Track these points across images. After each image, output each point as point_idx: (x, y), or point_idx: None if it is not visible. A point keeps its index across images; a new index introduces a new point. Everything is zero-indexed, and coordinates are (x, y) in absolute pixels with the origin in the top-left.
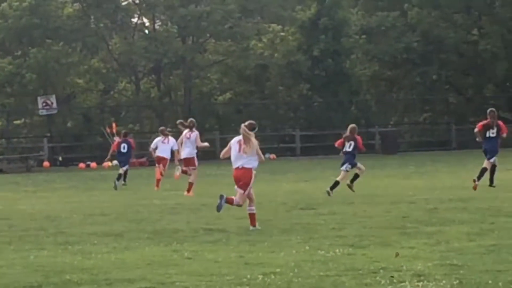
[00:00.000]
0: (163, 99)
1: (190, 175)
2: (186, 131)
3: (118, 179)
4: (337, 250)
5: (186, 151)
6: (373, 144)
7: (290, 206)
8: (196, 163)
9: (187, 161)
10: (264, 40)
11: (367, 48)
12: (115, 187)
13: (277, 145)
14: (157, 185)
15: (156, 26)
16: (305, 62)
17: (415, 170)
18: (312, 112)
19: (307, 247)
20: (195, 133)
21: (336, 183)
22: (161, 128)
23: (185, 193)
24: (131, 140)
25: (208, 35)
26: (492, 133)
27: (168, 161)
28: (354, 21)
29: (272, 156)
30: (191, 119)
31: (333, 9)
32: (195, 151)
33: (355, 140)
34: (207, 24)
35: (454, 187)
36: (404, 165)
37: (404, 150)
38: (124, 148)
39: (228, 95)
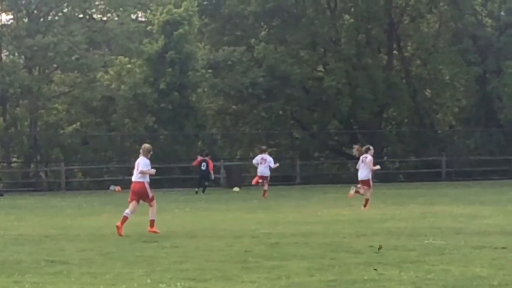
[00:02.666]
0: (8, 129)
1: None
2: None
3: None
4: (178, 284)
5: None
6: (218, 178)
7: (133, 239)
8: None
9: None
10: (111, 72)
11: (213, 82)
12: None
13: (123, 177)
14: None
15: (3, 56)
16: (152, 95)
17: (258, 204)
18: (158, 145)
19: (149, 280)
20: None
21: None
22: None
23: None
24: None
25: (55, 66)
26: None
27: None
28: (201, 55)
29: (118, 188)
30: None
31: (180, 43)
32: None
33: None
34: (53, 55)
35: (297, 222)
36: (248, 199)
37: (248, 184)
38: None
39: (74, 126)
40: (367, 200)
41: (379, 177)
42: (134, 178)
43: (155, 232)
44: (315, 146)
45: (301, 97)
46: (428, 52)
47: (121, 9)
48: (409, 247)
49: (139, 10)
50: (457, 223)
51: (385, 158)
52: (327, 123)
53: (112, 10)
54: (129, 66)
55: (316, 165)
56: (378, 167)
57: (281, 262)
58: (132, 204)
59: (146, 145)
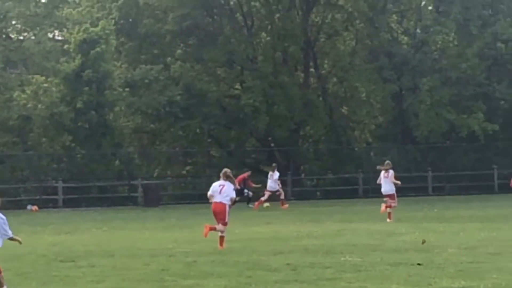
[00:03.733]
0: None
1: None
2: None
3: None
4: None
5: None
6: (136, 197)
7: (50, 258)
8: None
9: None
10: (28, 91)
11: (130, 101)
12: None
13: (39, 196)
14: None
15: None
16: (68, 113)
17: (176, 223)
18: (75, 164)
19: None
20: None
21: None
22: None
23: None
24: None
25: None
26: None
27: None
28: (118, 74)
29: (35, 208)
30: None
31: (97, 61)
32: None
33: None
34: None
35: (214, 240)
36: (165, 217)
37: (166, 203)
38: None
39: None
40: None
41: (295, 195)
42: (218, 199)
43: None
44: (232, 164)
45: (218, 115)
46: (345, 69)
47: (37, 28)
48: (326, 265)
49: (56, 29)
50: (373, 240)
51: (302, 175)
52: (244, 141)
53: (29, 29)
54: (45, 85)
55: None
56: (399, 182)
57: (198, 281)
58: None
59: (228, 171)
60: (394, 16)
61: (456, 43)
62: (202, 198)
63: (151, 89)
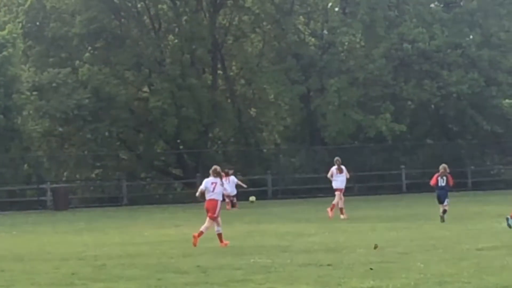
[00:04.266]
0: None
1: None
2: None
3: None
4: None
5: None
6: (45, 201)
7: None
8: None
9: None
10: None
11: (38, 105)
12: None
13: None
14: None
15: None
16: None
17: (85, 227)
18: None
19: None
20: None
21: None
22: None
23: None
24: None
25: None
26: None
27: None
28: (25, 77)
29: None
30: None
31: (4, 65)
32: None
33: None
34: None
35: (124, 243)
36: (75, 221)
37: (75, 206)
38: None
39: None
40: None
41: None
42: (211, 196)
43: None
44: (141, 167)
45: (127, 118)
46: (252, 71)
47: None
48: (236, 266)
49: None
50: (283, 241)
51: None
52: (153, 143)
53: None
54: None
55: (143, 185)
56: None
57: (108, 284)
58: (218, 220)
59: (218, 168)
60: (301, 17)
61: (363, 44)
62: (112, 201)
63: (59, 93)
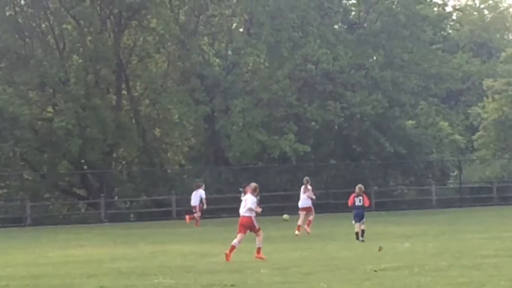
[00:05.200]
0: None
1: None
2: None
3: None
4: None
5: None
6: None
7: None
8: None
9: None
10: None
11: None
12: None
13: None
14: None
15: None
16: None
17: None
18: None
19: None
20: None
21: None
22: None
23: None
24: None
25: None
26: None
27: None
28: None
29: None
30: None
31: None
32: None
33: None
34: None
35: (28, 264)
36: None
37: None
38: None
39: None
40: None
41: (109, 217)
42: (242, 212)
43: (261, 258)
44: (45, 187)
45: (31, 138)
46: (157, 91)
47: None
48: (139, 287)
49: None
50: (187, 261)
51: (116, 198)
52: (57, 164)
53: None
54: None
55: (47, 206)
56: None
57: None
58: (240, 235)
59: (253, 184)
60: (205, 38)
61: (267, 64)
62: (15, 221)
63: None
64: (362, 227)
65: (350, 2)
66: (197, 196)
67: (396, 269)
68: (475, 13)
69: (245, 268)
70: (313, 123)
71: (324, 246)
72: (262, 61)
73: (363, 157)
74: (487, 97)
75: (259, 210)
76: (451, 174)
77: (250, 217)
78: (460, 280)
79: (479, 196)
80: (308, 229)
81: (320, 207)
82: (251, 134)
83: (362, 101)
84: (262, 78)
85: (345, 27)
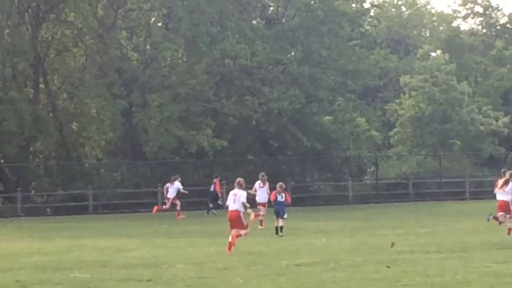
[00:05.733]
0: None
1: None
2: None
3: None
4: None
5: None
6: None
7: None
8: None
9: None
10: None
11: None
12: None
13: None
14: None
15: None
16: None
17: None
18: None
19: None
20: None
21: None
22: None
23: None
24: None
25: None
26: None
27: None
28: None
29: None
30: None
31: None
32: None
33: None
34: None
35: None
36: None
37: None
38: None
39: None
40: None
41: (25, 211)
42: (231, 207)
43: (233, 244)
44: None
45: None
46: (75, 85)
47: None
48: (56, 281)
49: None
50: (103, 256)
51: (32, 192)
52: None
53: None
54: None
55: None
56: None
57: None
58: (234, 231)
59: (240, 179)
60: (124, 32)
61: (185, 59)
62: None
63: None
64: (281, 223)
65: None
66: (174, 188)
67: (312, 265)
68: (393, 9)
69: (161, 263)
70: (231, 118)
71: (240, 241)
72: (180, 55)
73: (280, 153)
74: (404, 94)
75: (250, 211)
76: (368, 170)
77: (238, 211)
78: (375, 275)
79: (395, 192)
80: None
81: None
82: (169, 128)
83: (280, 97)
84: (180, 73)
85: (264, 22)
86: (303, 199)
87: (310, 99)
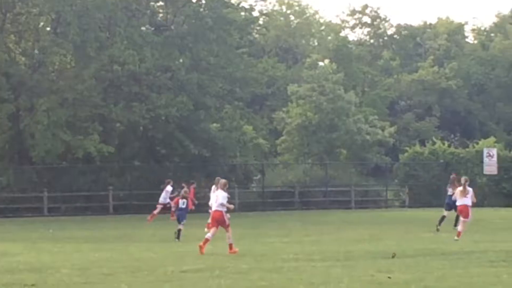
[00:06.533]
0: None
1: None
2: None
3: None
4: None
5: None
6: None
7: None
8: None
9: None
10: None
11: None
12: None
13: None
14: None
15: None
16: None
17: None
18: None
19: None
20: None
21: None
22: None
23: None
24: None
25: None
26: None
27: None
28: None
29: None
30: None
31: None
32: None
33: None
34: None
35: None
36: None
37: None
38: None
39: None
40: None
41: None
42: (214, 207)
43: (234, 252)
44: None
45: None
46: None
47: None
48: None
49: None
50: None
51: None
52: None
53: None
54: None
55: None
56: None
57: None
58: (213, 229)
59: (223, 181)
60: (12, 36)
61: (73, 64)
62: None
63: None
64: (180, 227)
65: (158, 4)
66: (166, 192)
67: (198, 271)
68: (281, 18)
69: (46, 268)
70: (118, 124)
71: (126, 247)
72: (68, 60)
73: (167, 159)
74: (292, 102)
75: (231, 207)
76: (254, 178)
77: (221, 212)
78: (260, 283)
79: (281, 200)
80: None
81: (123, 208)
82: (56, 133)
83: (168, 103)
84: (68, 77)
85: (153, 29)
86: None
87: (198, 106)
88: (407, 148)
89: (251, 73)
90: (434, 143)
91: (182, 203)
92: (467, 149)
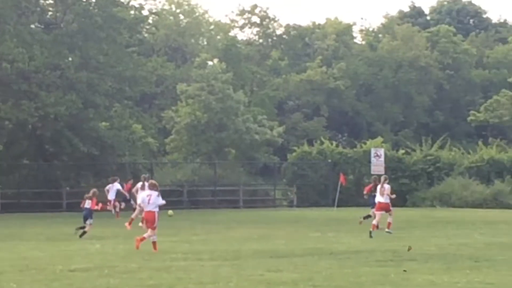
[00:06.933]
0: None
1: None
2: None
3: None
4: None
5: None
6: None
7: None
8: None
9: None
10: None
11: None
12: None
13: None
14: None
15: None
16: None
17: None
18: None
19: None
20: None
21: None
22: None
23: None
24: None
25: None
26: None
27: None
28: None
29: None
30: None
31: None
32: None
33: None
34: None
35: None
36: None
37: None
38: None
39: None
40: None
41: None
42: (147, 208)
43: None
44: None
45: None
46: None
47: None
48: None
49: None
50: None
51: None
52: None
53: None
54: None
55: None
56: None
57: None
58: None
59: (153, 181)
60: None
61: None
62: None
63: None
64: (86, 228)
65: (47, 2)
66: (114, 190)
67: (86, 270)
68: (171, 17)
69: None
70: (7, 122)
71: (14, 246)
72: None
73: (56, 158)
74: (181, 101)
75: (163, 202)
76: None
77: (154, 212)
78: (149, 282)
79: (170, 199)
80: (129, 227)
81: (12, 206)
82: None
83: (57, 102)
84: None
85: (42, 27)
86: (76, 204)
87: (87, 104)
88: (295, 148)
89: (140, 72)
90: (322, 143)
91: (87, 204)
92: (354, 149)
